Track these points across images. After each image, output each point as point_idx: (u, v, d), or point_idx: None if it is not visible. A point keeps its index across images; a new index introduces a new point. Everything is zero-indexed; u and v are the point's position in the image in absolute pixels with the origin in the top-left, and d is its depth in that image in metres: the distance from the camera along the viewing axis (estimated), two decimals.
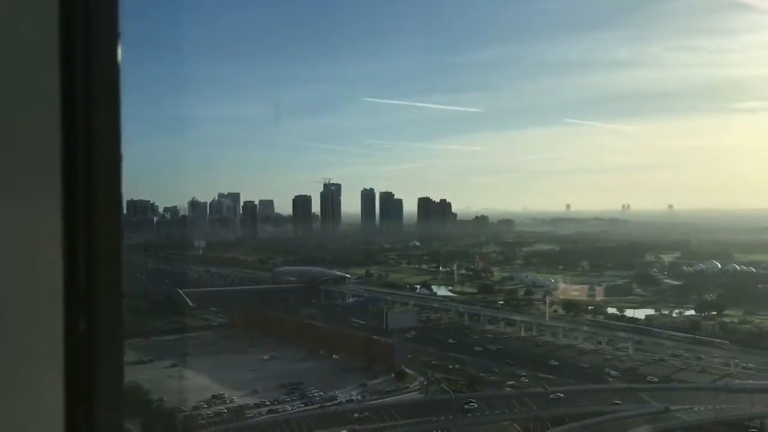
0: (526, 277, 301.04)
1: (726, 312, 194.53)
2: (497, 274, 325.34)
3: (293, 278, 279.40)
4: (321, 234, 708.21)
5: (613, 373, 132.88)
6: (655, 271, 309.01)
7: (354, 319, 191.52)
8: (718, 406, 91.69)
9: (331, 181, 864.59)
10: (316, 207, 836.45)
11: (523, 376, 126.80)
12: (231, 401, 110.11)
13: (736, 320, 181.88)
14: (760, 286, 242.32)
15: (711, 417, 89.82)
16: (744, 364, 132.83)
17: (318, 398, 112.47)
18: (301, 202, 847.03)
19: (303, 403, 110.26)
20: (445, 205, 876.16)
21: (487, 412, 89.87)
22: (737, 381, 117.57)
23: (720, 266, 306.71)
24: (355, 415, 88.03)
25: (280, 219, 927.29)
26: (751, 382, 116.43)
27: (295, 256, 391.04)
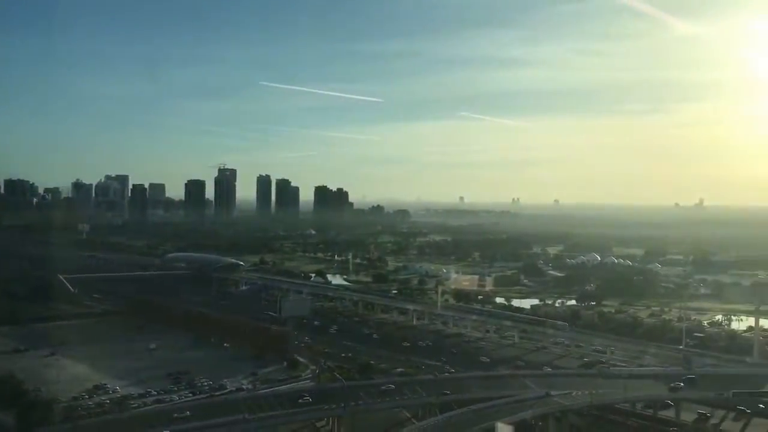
0: (420, 267, 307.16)
1: (604, 302, 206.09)
2: (392, 263, 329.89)
3: (184, 265, 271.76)
4: (215, 220, 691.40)
5: (499, 360, 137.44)
6: (541, 263, 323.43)
7: (247, 307, 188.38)
8: (594, 391, 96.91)
9: (226, 166, 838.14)
10: (210, 192, 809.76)
11: (414, 363, 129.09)
12: (114, 391, 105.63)
13: (613, 310, 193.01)
14: (635, 278, 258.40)
15: (587, 401, 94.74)
16: (619, 351, 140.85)
17: (207, 387, 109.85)
18: (195, 187, 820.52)
19: (191, 392, 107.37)
20: (341, 194, 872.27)
21: (378, 399, 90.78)
22: (612, 367, 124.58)
23: (600, 259, 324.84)
24: (246, 403, 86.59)
25: (171, 203, 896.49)
26: (624, 367, 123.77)
27: (187, 242, 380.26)
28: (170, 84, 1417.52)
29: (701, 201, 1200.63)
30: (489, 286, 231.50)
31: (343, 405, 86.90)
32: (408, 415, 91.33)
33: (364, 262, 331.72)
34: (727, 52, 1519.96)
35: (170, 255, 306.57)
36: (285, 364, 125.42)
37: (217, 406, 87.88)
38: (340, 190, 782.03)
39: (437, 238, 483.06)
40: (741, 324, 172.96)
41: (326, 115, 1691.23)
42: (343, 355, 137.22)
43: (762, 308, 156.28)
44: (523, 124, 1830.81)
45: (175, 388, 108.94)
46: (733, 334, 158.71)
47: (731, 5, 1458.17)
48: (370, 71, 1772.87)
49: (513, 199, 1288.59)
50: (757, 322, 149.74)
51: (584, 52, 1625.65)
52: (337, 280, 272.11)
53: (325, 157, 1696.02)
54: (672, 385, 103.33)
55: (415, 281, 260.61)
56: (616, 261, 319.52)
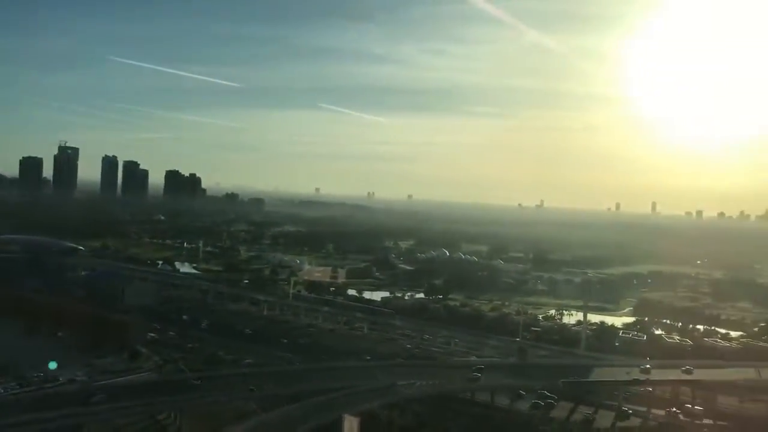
0: (273, 257, 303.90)
1: (451, 296, 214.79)
2: (244, 253, 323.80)
3: (17, 248, 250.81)
4: (53, 201, 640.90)
5: (348, 351, 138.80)
6: (392, 257, 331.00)
7: (86, 295, 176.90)
8: (438, 381, 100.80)
9: (68, 144, 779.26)
10: (49, 171, 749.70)
11: (263, 354, 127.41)
12: None
13: (458, 303, 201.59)
14: (480, 273, 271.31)
15: (433, 390, 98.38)
16: (462, 342, 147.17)
17: (36, 379, 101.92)
18: (30, 165, 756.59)
19: (18, 384, 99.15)
20: (194, 180, 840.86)
21: (223, 391, 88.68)
22: (456, 357, 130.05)
23: (448, 254, 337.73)
24: (78, 395, 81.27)
25: (3, 181, 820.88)
26: (473, 358, 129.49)
27: (21, 223, 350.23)
28: (4, 51, 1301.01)
29: (542, 203, 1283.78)
30: (341, 278, 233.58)
31: (186, 397, 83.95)
32: (254, 406, 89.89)
33: (216, 250, 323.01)
34: (570, 64, 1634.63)
35: (0, 237, 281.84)
36: (126, 354, 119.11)
37: (46, 398, 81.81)
38: (192, 175, 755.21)
39: (292, 228, 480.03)
40: (571, 318, 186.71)
41: (181, 97, 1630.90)
42: (189, 345, 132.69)
43: (589, 304, 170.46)
44: (380, 120, 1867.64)
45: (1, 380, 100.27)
46: (564, 328, 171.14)
47: (576, 21, 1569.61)
48: (231, 55, 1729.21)
49: (368, 193, 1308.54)
50: (585, 316, 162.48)
51: (440, 53, 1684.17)
52: (185, 268, 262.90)
53: (179, 141, 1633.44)
54: (472, 375, 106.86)
55: (267, 271, 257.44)
56: (463, 257, 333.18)
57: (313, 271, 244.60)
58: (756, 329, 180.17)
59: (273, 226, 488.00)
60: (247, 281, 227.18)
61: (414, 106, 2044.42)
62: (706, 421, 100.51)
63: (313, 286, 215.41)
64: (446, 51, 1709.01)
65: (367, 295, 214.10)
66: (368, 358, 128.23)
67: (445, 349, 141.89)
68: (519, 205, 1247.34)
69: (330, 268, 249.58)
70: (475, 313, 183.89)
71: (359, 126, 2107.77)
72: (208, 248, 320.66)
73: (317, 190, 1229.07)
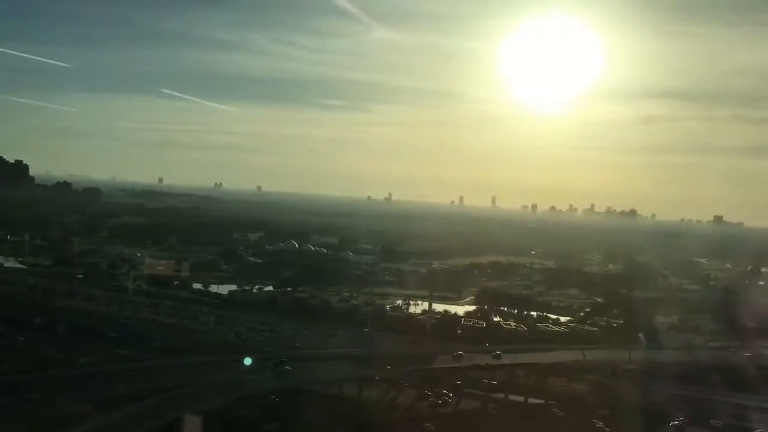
0: (111, 249, 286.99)
1: (300, 288, 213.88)
2: (78, 245, 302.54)
3: None
4: None
5: (193, 346, 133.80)
6: (241, 249, 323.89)
7: None
8: (289, 373, 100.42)
9: None
10: None
11: (101, 352, 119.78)
12: None
13: (308, 295, 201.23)
14: (329, 265, 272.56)
15: (275, 384, 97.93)
16: (312, 335, 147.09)
17: None
18: None
19: None
20: (21, 167, 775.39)
21: (54, 393, 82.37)
22: (305, 349, 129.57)
23: (298, 246, 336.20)
24: None
25: None
26: (317, 350, 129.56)
27: None
28: None
29: (390, 195, 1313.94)
30: (186, 272, 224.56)
31: (11, 401, 77.02)
32: (89, 408, 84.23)
33: (45, 243, 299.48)
34: (419, 61, 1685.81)
35: None
36: None
37: None
38: (18, 162, 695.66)
39: (133, 220, 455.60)
40: (418, 308, 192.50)
41: (7, 76, 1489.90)
42: (15, 345, 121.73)
43: (434, 294, 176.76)
44: (229, 109, 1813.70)
45: None
46: (411, 317, 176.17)
47: (425, 19, 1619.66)
48: (66, 34, 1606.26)
49: (215, 184, 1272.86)
50: (430, 306, 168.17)
51: (292, 43, 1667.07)
52: (10, 262, 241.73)
53: (2, 125, 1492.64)
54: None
55: (104, 266, 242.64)
56: (312, 249, 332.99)
57: (156, 264, 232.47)
58: (582, 314, 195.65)
59: (111, 217, 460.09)
60: (81, 276, 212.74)
61: (264, 96, 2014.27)
62: (536, 400, 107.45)
63: (155, 280, 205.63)
64: (298, 42, 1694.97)
65: (213, 288, 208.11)
66: (218, 350, 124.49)
67: (293, 341, 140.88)
68: (368, 197, 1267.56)
69: (174, 261, 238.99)
70: (325, 305, 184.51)
71: (206, 114, 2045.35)
72: (37, 241, 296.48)
73: (160, 180, 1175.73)
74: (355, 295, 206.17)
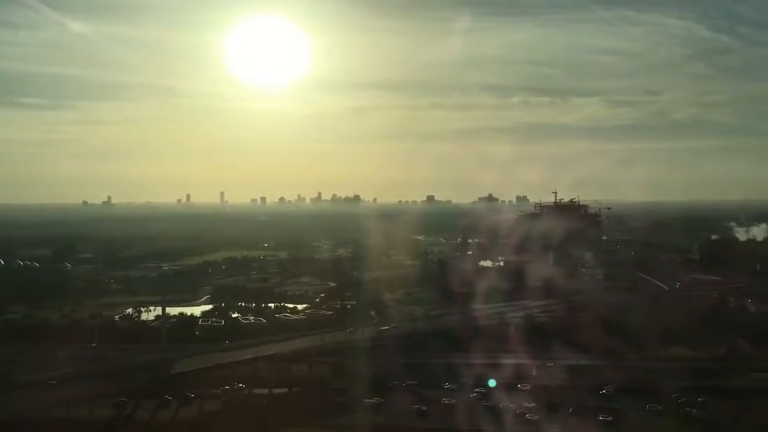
0: None
1: (11, 310, 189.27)
2: None
3: None
4: None
5: None
6: None
7: None
8: None
9: None
10: None
11: None
12: None
13: (20, 316, 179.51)
14: (45, 280, 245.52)
15: None
16: (32, 358, 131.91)
17: None
18: None
19: None
20: None
21: None
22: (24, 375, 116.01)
23: (3, 263, 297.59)
24: None
25: None
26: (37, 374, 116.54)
27: None
28: None
29: (109, 198, 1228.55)
30: None
31: None
32: None
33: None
34: (133, 56, 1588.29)
35: None
36: None
37: None
38: None
39: None
40: (150, 314, 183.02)
41: None
42: None
43: (167, 297, 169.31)
44: None
45: None
46: (143, 325, 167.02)
47: (132, 11, 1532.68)
48: None
49: None
50: (163, 310, 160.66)
51: None
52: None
53: None
54: None
55: None
56: (22, 264, 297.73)
57: None
58: (317, 300, 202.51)
59: None
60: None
61: None
62: (280, 390, 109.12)
63: None
64: None
65: None
66: None
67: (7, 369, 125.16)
68: (84, 202, 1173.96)
69: None
70: (42, 324, 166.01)
71: None
72: None
73: None
74: (77, 309, 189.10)
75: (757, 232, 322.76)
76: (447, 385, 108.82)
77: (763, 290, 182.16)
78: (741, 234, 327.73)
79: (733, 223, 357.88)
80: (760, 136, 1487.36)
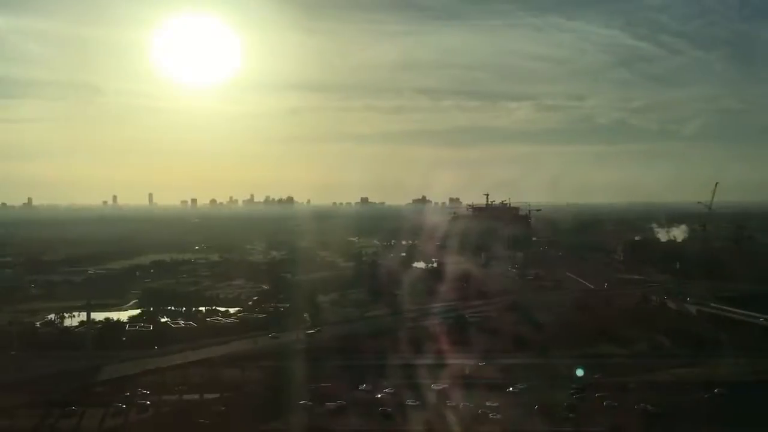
0: None
1: None
2: None
3: None
4: None
5: None
6: None
7: None
8: None
9: None
10: None
11: None
12: None
13: None
14: None
15: None
16: None
17: None
18: None
19: None
20: None
21: None
22: None
23: None
24: None
25: None
26: None
27: None
28: None
29: (30, 200, 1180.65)
30: None
31: None
32: None
33: None
34: (54, 52, 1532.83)
35: None
36: None
37: None
38: None
39: None
40: (75, 319, 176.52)
41: None
42: None
43: (93, 302, 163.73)
44: None
45: None
46: (67, 331, 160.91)
47: (55, 5, 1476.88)
48: None
49: None
50: (88, 315, 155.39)
51: None
52: None
53: None
54: None
55: None
56: None
57: None
58: (250, 303, 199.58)
59: None
60: None
61: None
62: (211, 395, 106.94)
63: None
64: None
65: None
66: None
67: None
68: (2, 204, 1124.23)
69: None
70: None
71: None
72: None
73: None
74: None
75: (677, 233, 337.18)
76: (362, 386, 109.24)
77: (682, 289, 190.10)
78: (662, 235, 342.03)
79: (654, 225, 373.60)
80: (679, 140, 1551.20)
